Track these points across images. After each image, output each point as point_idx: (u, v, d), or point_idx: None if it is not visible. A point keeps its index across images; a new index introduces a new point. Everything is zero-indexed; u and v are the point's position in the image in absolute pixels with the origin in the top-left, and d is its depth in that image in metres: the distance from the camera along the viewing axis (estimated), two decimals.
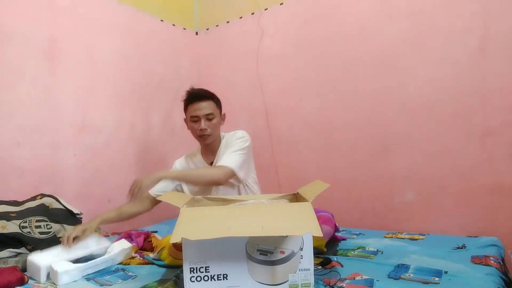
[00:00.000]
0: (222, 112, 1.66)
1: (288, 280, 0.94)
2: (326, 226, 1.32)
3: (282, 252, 0.93)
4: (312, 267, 0.94)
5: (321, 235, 0.86)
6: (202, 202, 1.29)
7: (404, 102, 1.81)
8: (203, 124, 1.54)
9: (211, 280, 0.93)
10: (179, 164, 1.72)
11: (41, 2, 1.73)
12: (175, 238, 0.88)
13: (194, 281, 0.93)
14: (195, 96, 1.57)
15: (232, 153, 1.52)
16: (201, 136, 1.57)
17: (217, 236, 0.88)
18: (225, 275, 0.93)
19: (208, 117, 1.55)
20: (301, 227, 0.90)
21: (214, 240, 0.88)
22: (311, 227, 0.88)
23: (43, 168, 1.71)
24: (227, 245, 0.94)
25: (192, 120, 1.57)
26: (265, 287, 0.94)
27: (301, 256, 0.94)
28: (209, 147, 1.64)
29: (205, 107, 1.55)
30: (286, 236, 0.91)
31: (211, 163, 1.62)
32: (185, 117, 1.65)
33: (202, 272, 0.93)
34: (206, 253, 0.94)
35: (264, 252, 0.94)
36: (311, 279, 0.93)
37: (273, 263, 0.93)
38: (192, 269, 0.94)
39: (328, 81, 2.05)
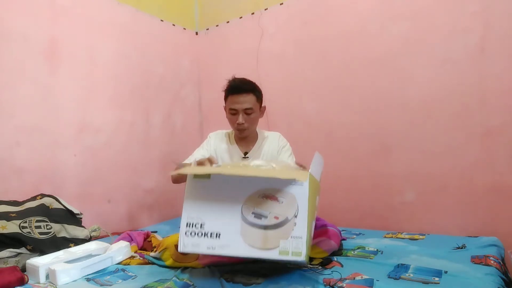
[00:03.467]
0: (262, 105, 1.62)
1: (278, 246, 0.94)
2: (332, 241, 1.31)
3: (276, 218, 0.94)
4: (305, 236, 0.93)
5: (305, 179, 0.88)
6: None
7: (404, 102, 1.81)
8: (241, 118, 1.50)
9: (204, 236, 0.98)
10: (213, 142, 1.65)
11: (41, 2, 1.73)
12: (173, 172, 1.02)
13: (188, 236, 0.99)
14: (235, 88, 1.52)
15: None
16: (238, 130, 1.55)
17: (208, 172, 0.98)
18: (218, 234, 0.97)
19: (247, 112, 1.51)
20: (288, 174, 0.94)
21: (213, 198, 0.94)
22: (298, 175, 0.92)
23: (43, 168, 1.71)
24: (224, 205, 0.98)
25: (230, 113, 1.53)
26: (255, 250, 0.94)
27: (295, 223, 0.94)
28: (246, 138, 1.62)
29: (244, 101, 1.49)
30: (282, 202, 0.93)
31: (245, 153, 1.61)
32: (224, 105, 1.61)
33: (197, 228, 0.98)
34: (203, 210, 0.99)
35: (258, 215, 0.96)
36: (302, 248, 0.92)
37: (265, 227, 0.94)
38: (188, 224, 0.99)
39: (328, 81, 2.05)
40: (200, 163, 1.25)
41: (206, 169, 1.04)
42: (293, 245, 0.93)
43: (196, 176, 1.04)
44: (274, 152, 1.59)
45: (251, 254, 0.95)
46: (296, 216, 0.94)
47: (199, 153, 1.60)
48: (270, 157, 1.59)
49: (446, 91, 1.70)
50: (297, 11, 2.16)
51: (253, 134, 1.63)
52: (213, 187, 1.02)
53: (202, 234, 0.98)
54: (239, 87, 1.51)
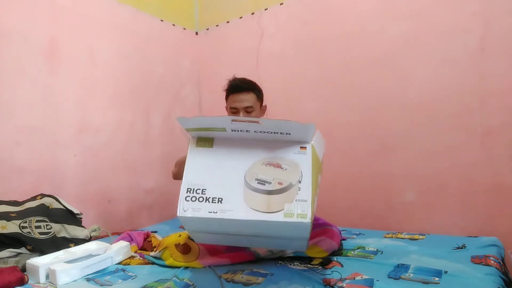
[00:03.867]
0: (263, 104, 1.63)
1: (283, 209, 0.92)
2: (332, 242, 1.31)
3: (280, 183, 0.94)
4: (309, 199, 0.92)
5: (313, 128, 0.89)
6: None
7: (404, 101, 1.81)
8: (243, 117, 1.51)
9: (205, 201, 0.95)
10: None
11: (41, 2, 1.74)
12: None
13: (189, 200, 0.95)
14: (235, 87, 1.54)
15: None
16: None
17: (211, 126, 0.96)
18: (220, 199, 0.95)
19: (247, 110, 1.52)
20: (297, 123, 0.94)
21: (216, 164, 0.93)
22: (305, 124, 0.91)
23: (43, 168, 1.71)
24: (227, 171, 0.96)
25: (231, 111, 1.54)
26: (259, 213, 0.92)
27: (299, 188, 0.93)
28: None
29: (244, 99, 1.51)
30: (286, 168, 0.93)
31: None
32: (225, 105, 1.62)
33: (199, 193, 0.96)
34: (205, 177, 0.97)
35: (262, 182, 0.95)
36: (308, 210, 0.91)
37: (269, 192, 0.93)
38: (189, 189, 0.96)
39: (328, 81, 2.05)
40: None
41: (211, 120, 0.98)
42: (298, 208, 0.92)
43: (198, 144, 1.02)
44: None
45: (255, 217, 0.92)
46: (300, 182, 0.93)
47: None
48: None
49: (446, 91, 1.70)
50: (297, 11, 2.16)
51: None
52: (216, 155, 1.00)
53: (203, 199, 0.95)
54: (239, 86, 1.53)
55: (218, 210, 0.93)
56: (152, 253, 1.33)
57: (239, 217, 0.93)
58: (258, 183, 0.94)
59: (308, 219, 0.90)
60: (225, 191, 0.95)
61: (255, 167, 0.96)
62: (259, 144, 1.01)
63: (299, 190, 0.93)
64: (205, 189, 0.95)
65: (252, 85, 1.56)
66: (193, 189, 0.96)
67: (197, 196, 0.95)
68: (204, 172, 0.98)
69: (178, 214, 0.95)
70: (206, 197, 0.95)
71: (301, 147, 1.00)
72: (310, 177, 0.95)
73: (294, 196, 0.93)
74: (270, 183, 0.94)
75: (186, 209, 0.95)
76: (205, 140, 1.03)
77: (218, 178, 0.97)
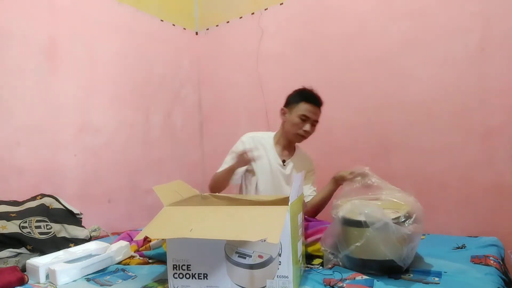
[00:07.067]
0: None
1: (266, 286, 0.93)
2: None
3: (260, 257, 0.93)
4: (291, 275, 0.92)
5: (277, 241, 0.83)
6: (208, 200, 1.28)
7: (404, 102, 1.81)
8: (309, 127, 1.57)
9: (192, 278, 0.97)
10: (248, 143, 1.64)
11: (41, 2, 1.74)
12: (139, 236, 0.93)
13: (177, 278, 0.98)
14: (315, 99, 1.59)
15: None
16: (299, 136, 1.59)
17: (175, 237, 0.93)
18: (205, 275, 0.96)
19: (314, 123, 1.59)
20: (258, 232, 0.87)
21: (195, 240, 0.90)
22: (269, 233, 0.84)
23: (43, 168, 1.71)
24: (207, 245, 0.95)
25: (301, 118, 1.56)
26: None
27: (279, 262, 0.92)
28: (289, 146, 1.68)
29: (318, 113, 1.58)
30: (264, 240, 0.87)
31: (283, 161, 1.66)
32: (284, 107, 1.63)
33: (184, 269, 0.97)
34: (188, 252, 0.97)
35: (243, 255, 0.94)
36: (289, 286, 0.92)
37: (251, 267, 0.92)
38: (175, 266, 0.98)
39: (328, 81, 2.05)
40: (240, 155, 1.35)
41: (173, 234, 0.97)
42: (279, 285, 0.93)
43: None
44: (304, 170, 1.61)
45: None
46: (280, 255, 0.92)
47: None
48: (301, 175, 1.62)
49: (446, 91, 1.70)
50: (297, 11, 2.16)
51: (294, 144, 1.70)
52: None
53: (190, 275, 0.97)
54: (318, 100, 1.59)
55: (205, 286, 0.96)
56: (153, 242, 1.35)
57: None
58: (238, 256, 0.94)
59: None
60: (208, 265, 0.96)
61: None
62: None
63: (280, 264, 0.93)
64: (190, 265, 0.97)
65: (322, 103, 1.62)
66: (179, 265, 0.98)
67: (184, 272, 0.98)
68: (185, 245, 0.97)
69: None
70: (192, 274, 0.97)
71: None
72: (290, 248, 0.93)
73: (275, 271, 0.92)
74: (250, 256, 0.93)
75: (176, 286, 0.99)
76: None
77: (199, 251, 0.97)
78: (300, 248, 1.07)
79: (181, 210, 1.08)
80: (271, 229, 0.86)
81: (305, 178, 1.62)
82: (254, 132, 1.71)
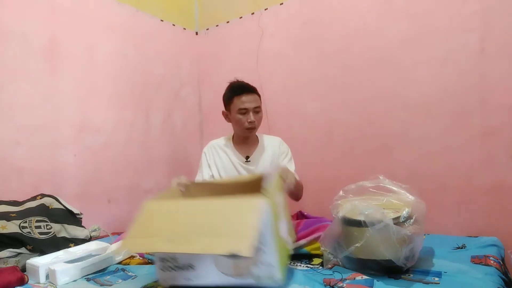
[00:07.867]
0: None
1: (251, 273, 0.95)
2: None
3: None
4: (276, 262, 0.94)
5: (249, 254, 0.83)
6: (189, 191, 1.30)
7: (404, 101, 1.81)
8: (252, 116, 1.56)
9: (179, 270, 1.00)
10: (210, 156, 1.69)
11: (41, 2, 1.73)
12: (120, 249, 1.00)
13: (165, 271, 1.01)
14: (243, 89, 1.58)
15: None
16: (248, 128, 1.59)
17: (151, 251, 1.00)
18: (191, 265, 0.98)
19: (256, 110, 1.58)
20: (231, 241, 0.87)
21: None
22: (241, 243, 0.85)
23: (43, 168, 1.71)
24: None
25: (240, 113, 1.57)
26: (230, 278, 0.96)
27: (264, 251, 0.94)
28: (248, 141, 1.67)
29: (253, 100, 1.57)
30: (235, 254, 0.88)
31: (247, 157, 1.66)
32: (224, 110, 1.65)
33: (171, 262, 1.00)
34: None
35: None
36: (276, 272, 0.95)
37: (235, 256, 0.92)
38: (162, 259, 1.01)
39: (328, 81, 2.05)
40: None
41: (152, 248, 1.00)
42: (265, 272, 0.95)
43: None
44: (275, 157, 1.61)
45: (227, 281, 0.97)
46: (262, 243, 0.94)
47: (207, 173, 1.65)
48: (271, 162, 1.61)
49: (446, 91, 1.70)
50: (297, 11, 2.16)
51: (253, 137, 1.68)
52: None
53: (177, 267, 0.99)
54: (246, 87, 1.58)
55: (192, 277, 0.98)
56: None
57: (212, 283, 0.98)
58: None
59: (278, 281, 0.95)
60: (195, 257, 0.98)
61: None
62: None
63: (264, 253, 0.94)
64: (176, 258, 0.99)
65: (254, 87, 1.61)
66: (165, 258, 1.00)
67: (171, 265, 1.00)
68: None
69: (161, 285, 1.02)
70: (178, 266, 0.99)
71: None
72: (272, 237, 0.95)
73: (259, 259, 0.94)
74: None
75: (165, 279, 1.02)
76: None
77: None
78: (284, 227, 1.10)
79: (159, 209, 1.16)
80: (244, 238, 0.87)
81: (280, 160, 1.64)
82: (214, 139, 1.76)
